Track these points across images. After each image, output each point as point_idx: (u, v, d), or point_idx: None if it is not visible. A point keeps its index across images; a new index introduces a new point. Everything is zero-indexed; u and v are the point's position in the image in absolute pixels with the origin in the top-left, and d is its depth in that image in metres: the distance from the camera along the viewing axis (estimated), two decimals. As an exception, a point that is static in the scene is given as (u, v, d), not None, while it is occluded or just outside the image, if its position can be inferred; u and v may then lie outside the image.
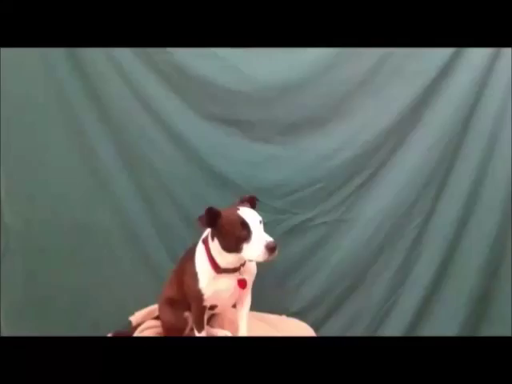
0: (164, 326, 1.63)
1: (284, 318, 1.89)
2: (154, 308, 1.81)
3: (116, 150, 2.02)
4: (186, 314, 1.59)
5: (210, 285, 1.44)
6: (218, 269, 1.42)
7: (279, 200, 2.00)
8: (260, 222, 1.35)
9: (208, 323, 1.75)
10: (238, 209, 1.37)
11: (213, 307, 1.53)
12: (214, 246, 1.41)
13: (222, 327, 1.73)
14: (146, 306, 1.84)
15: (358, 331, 2.04)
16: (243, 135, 2.01)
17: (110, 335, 1.71)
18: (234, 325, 1.71)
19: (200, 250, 1.49)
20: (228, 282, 1.44)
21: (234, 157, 2.01)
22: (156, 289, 1.97)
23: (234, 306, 1.63)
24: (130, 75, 1.97)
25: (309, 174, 1.98)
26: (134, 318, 1.79)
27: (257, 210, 1.42)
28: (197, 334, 1.53)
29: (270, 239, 1.30)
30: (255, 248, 1.30)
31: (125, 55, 1.94)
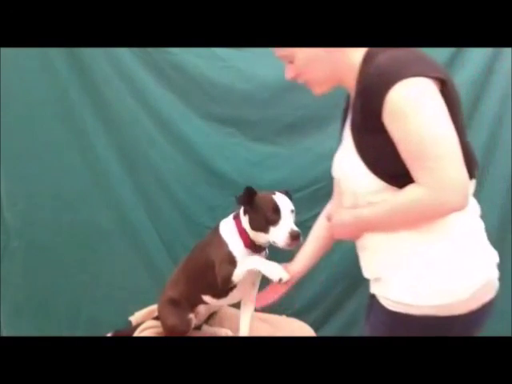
0: (166, 328, 1.63)
1: (284, 317, 1.89)
2: (154, 308, 1.81)
3: (116, 149, 2.02)
4: (190, 315, 1.60)
5: (241, 252, 1.47)
6: (247, 241, 1.46)
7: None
8: (292, 211, 1.42)
9: (207, 322, 1.76)
10: (275, 193, 1.44)
11: (228, 291, 1.54)
12: (245, 220, 1.47)
13: (222, 326, 1.73)
14: (146, 306, 1.84)
15: (358, 331, 2.04)
16: (243, 135, 2.01)
17: (109, 335, 1.71)
18: (233, 323, 1.72)
19: (228, 227, 1.52)
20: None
21: (234, 156, 2.01)
22: (156, 289, 1.97)
23: (238, 306, 1.63)
24: (129, 75, 1.97)
25: (309, 174, 1.98)
26: (134, 318, 1.80)
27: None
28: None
29: (296, 228, 1.36)
30: (281, 233, 1.36)
31: (125, 55, 1.95)
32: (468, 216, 0.99)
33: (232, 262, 1.46)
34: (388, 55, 0.92)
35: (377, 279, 1.06)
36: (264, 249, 1.51)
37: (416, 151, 0.89)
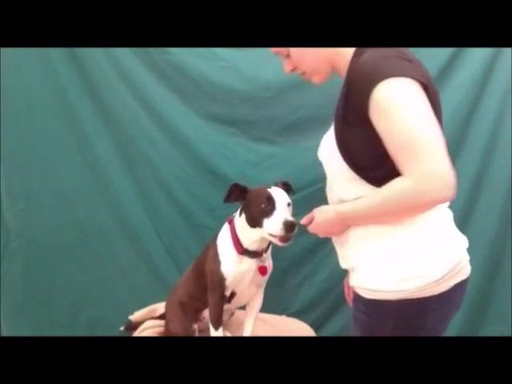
0: (168, 330, 1.63)
1: (284, 317, 1.89)
2: (153, 308, 1.82)
3: (116, 149, 2.02)
4: (194, 326, 1.60)
5: (232, 267, 1.47)
6: (240, 248, 1.45)
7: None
8: (288, 204, 1.40)
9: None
10: (270, 187, 1.43)
11: (230, 298, 1.54)
12: (240, 221, 1.46)
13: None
14: (146, 305, 1.84)
15: (358, 331, 2.04)
16: (243, 135, 2.01)
17: (122, 329, 1.75)
18: (233, 325, 1.72)
19: (223, 231, 1.53)
20: (249, 265, 1.48)
21: (234, 157, 2.01)
22: (156, 289, 1.97)
23: (243, 308, 1.63)
24: (130, 75, 1.97)
25: (309, 174, 1.98)
26: (134, 318, 1.80)
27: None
28: (212, 333, 1.53)
29: (290, 218, 1.35)
30: (275, 223, 1.34)
31: (125, 55, 1.95)
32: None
33: (218, 264, 1.47)
34: (376, 53, 0.96)
35: (352, 269, 1.11)
36: (259, 254, 1.48)
37: (402, 144, 0.92)
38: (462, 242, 1.08)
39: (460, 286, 1.03)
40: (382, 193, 0.97)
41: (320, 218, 1.14)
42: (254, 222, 1.40)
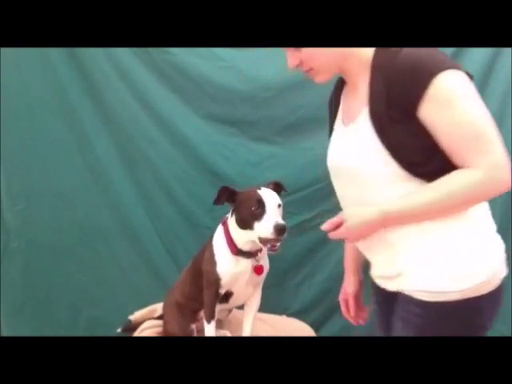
0: (166, 331, 1.63)
1: (284, 317, 1.89)
2: (154, 308, 1.81)
3: (116, 149, 2.02)
4: (192, 326, 1.60)
5: (228, 267, 1.46)
6: (234, 249, 1.45)
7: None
8: (279, 205, 1.39)
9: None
10: (260, 189, 1.42)
11: (227, 298, 1.54)
12: (232, 222, 1.45)
13: (221, 327, 1.73)
14: (146, 305, 1.84)
15: (358, 331, 2.04)
16: (243, 135, 2.01)
17: (119, 330, 1.74)
18: (233, 325, 1.72)
19: (218, 232, 1.52)
20: (244, 265, 1.47)
21: (234, 157, 2.01)
22: (156, 289, 1.97)
23: (242, 307, 1.63)
24: (130, 75, 1.98)
25: (309, 174, 1.98)
26: (134, 318, 1.80)
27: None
28: (206, 326, 1.52)
29: (282, 222, 1.33)
30: (265, 226, 1.33)
31: (125, 55, 1.95)
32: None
33: (214, 265, 1.47)
34: (415, 49, 0.95)
35: (398, 274, 1.04)
36: (253, 254, 1.47)
37: (469, 135, 0.92)
38: (500, 237, 1.06)
39: (502, 282, 1.02)
40: (446, 186, 0.94)
41: (356, 220, 1.02)
42: (245, 224, 1.39)
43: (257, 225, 1.35)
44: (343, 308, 1.33)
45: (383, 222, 1.00)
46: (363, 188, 1.04)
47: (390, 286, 1.09)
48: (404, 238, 1.02)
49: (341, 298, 1.33)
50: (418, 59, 0.94)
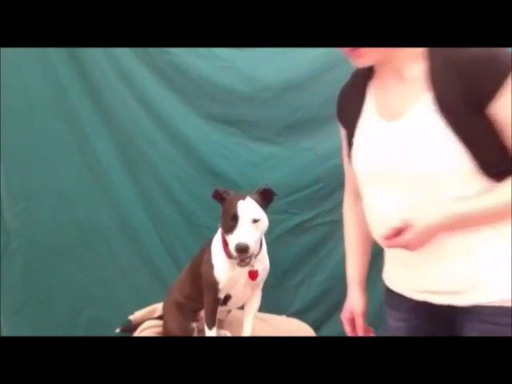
0: (166, 331, 1.63)
1: (284, 317, 1.89)
2: (154, 308, 1.81)
3: (116, 149, 2.03)
4: (193, 325, 1.60)
5: (225, 272, 1.46)
6: (229, 253, 1.44)
7: (279, 200, 1.99)
8: (254, 220, 1.35)
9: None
10: (245, 198, 1.38)
11: (226, 301, 1.54)
12: None
13: (221, 327, 1.73)
14: (146, 305, 1.84)
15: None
16: (243, 135, 2.01)
17: (117, 331, 1.73)
18: (233, 325, 1.72)
19: (216, 236, 1.52)
20: (240, 270, 1.46)
21: (234, 157, 2.01)
22: (156, 289, 1.97)
23: (242, 307, 1.63)
24: (130, 75, 1.98)
25: (309, 173, 1.98)
26: (134, 318, 1.80)
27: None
28: (207, 332, 1.53)
29: (244, 241, 1.30)
30: (232, 242, 1.33)
31: (125, 55, 1.95)
32: None
33: (211, 269, 1.47)
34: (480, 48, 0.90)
35: (471, 288, 0.95)
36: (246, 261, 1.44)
37: None
38: None
39: None
40: None
41: (424, 224, 0.91)
42: (224, 232, 1.40)
43: (228, 238, 1.37)
44: (348, 328, 1.19)
45: (452, 224, 0.91)
46: (425, 190, 0.93)
47: (456, 300, 0.97)
48: (480, 243, 0.93)
49: (345, 317, 1.20)
50: (492, 52, 0.88)
